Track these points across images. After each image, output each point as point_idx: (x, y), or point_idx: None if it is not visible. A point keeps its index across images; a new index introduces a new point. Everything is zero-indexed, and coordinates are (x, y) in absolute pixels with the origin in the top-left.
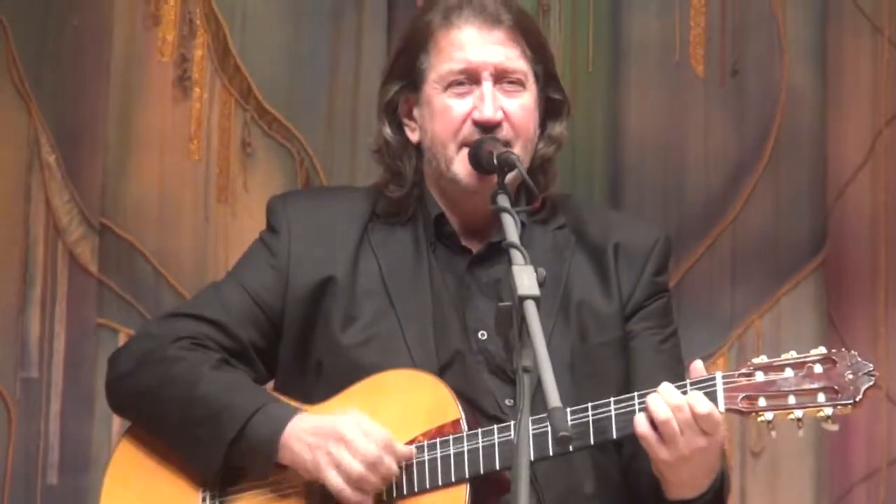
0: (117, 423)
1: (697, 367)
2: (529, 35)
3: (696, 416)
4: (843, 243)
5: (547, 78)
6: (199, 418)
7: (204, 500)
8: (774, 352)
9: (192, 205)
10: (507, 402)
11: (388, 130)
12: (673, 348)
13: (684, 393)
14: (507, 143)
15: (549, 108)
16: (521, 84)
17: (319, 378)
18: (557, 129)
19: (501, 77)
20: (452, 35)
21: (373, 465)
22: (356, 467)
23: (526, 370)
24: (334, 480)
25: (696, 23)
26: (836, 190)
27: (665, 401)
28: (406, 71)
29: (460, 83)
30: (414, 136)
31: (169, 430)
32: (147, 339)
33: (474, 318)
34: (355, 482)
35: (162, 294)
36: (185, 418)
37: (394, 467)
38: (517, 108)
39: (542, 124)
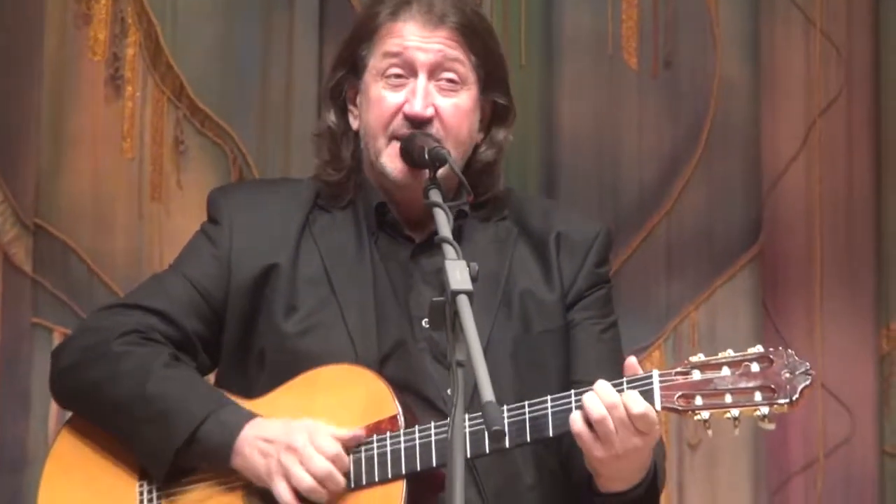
0: (53, 422)
1: (632, 364)
2: (475, 37)
3: (631, 416)
4: (778, 234)
5: (494, 81)
6: (148, 417)
7: (141, 490)
8: (710, 343)
9: (125, 203)
10: (447, 392)
11: (331, 116)
12: (613, 339)
13: (620, 391)
14: (437, 141)
15: (496, 113)
16: (458, 84)
17: (262, 367)
18: (502, 134)
19: (438, 73)
20: (395, 28)
21: (322, 481)
22: (306, 481)
23: (460, 364)
24: (283, 491)
25: (629, 16)
26: (771, 181)
27: (601, 399)
28: (350, 59)
29: (397, 75)
30: (355, 123)
31: (117, 427)
32: (92, 332)
33: (418, 306)
34: (304, 494)
35: (96, 293)
36: (134, 416)
37: (342, 481)
38: (450, 107)
39: (487, 129)
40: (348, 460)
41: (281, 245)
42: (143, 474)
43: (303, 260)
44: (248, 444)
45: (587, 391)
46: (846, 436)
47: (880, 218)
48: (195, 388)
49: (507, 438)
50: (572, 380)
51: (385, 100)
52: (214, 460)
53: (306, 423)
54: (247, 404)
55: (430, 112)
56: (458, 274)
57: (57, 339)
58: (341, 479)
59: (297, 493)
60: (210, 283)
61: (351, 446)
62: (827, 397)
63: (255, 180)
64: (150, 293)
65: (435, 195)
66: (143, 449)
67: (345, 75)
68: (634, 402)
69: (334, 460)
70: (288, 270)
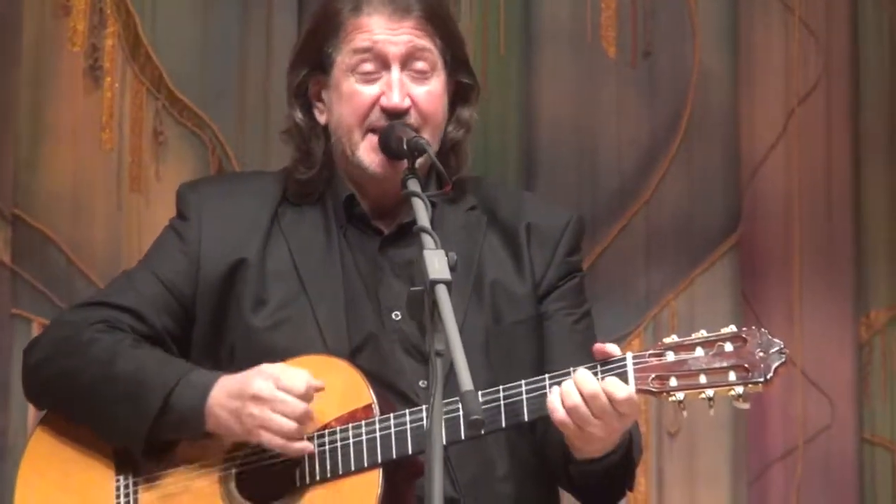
0: (33, 412)
1: (601, 349)
2: (440, 23)
3: (614, 402)
4: (757, 223)
5: (457, 63)
6: (120, 395)
7: (118, 485)
8: (690, 331)
9: (104, 194)
10: (420, 383)
11: (297, 114)
12: (587, 328)
13: (594, 373)
14: (415, 130)
15: (459, 93)
16: (429, 71)
17: (232, 362)
18: (467, 113)
19: (410, 63)
20: (361, 22)
21: (301, 419)
22: (287, 425)
23: (438, 354)
24: (272, 440)
25: (608, 5)
26: (750, 170)
27: (580, 388)
28: (314, 56)
29: (369, 69)
30: (322, 118)
31: (89, 412)
32: (61, 326)
33: (388, 299)
34: (292, 437)
35: (75, 284)
36: (106, 397)
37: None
38: (425, 94)
39: (452, 108)
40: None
41: (249, 240)
42: (120, 469)
43: (271, 254)
44: (217, 405)
45: (563, 374)
46: (826, 423)
47: (859, 206)
48: (162, 361)
49: (483, 428)
50: (546, 371)
51: (360, 94)
52: (190, 427)
53: (265, 369)
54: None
55: (407, 103)
56: (437, 263)
57: (36, 330)
58: (312, 412)
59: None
60: (179, 280)
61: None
62: (807, 385)
63: (225, 174)
64: (120, 290)
65: (414, 185)
66: (118, 428)
67: (309, 72)
68: (617, 387)
69: (304, 397)
70: (256, 265)
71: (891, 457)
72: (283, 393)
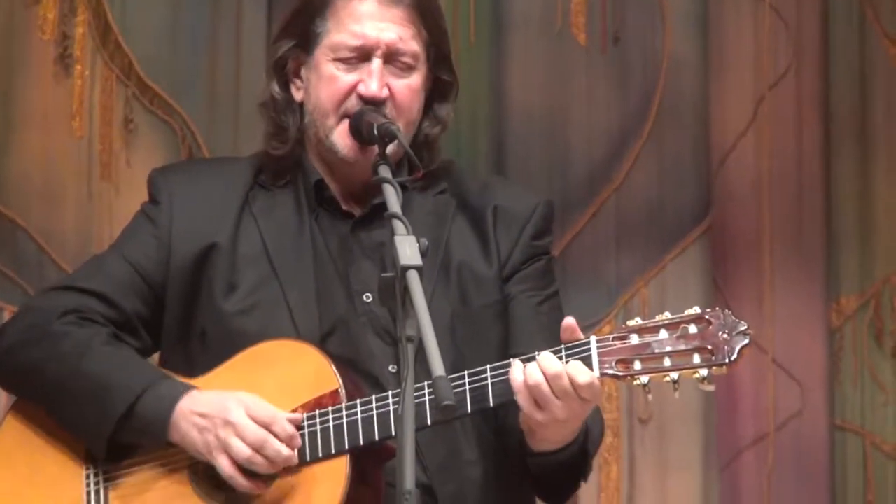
0: (4, 398)
1: (570, 325)
2: (428, 15)
3: (576, 386)
4: (727, 209)
5: (439, 59)
6: (86, 394)
7: (88, 477)
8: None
9: (75, 182)
10: (390, 367)
11: (275, 87)
12: (552, 310)
13: (558, 357)
14: (386, 117)
15: (438, 89)
16: (411, 65)
17: (203, 347)
18: (444, 110)
19: (393, 56)
20: (352, 7)
21: (260, 449)
22: (244, 452)
23: (410, 340)
24: (225, 465)
25: None
26: (720, 156)
27: (543, 368)
28: (300, 32)
29: (351, 56)
30: (299, 95)
31: (55, 405)
32: (31, 313)
33: (359, 281)
34: (244, 465)
35: (46, 271)
36: (73, 394)
37: (282, 449)
38: (403, 88)
39: (429, 104)
40: (288, 427)
41: (221, 224)
42: (90, 459)
43: (242, 238)
44: (184, 419)
45: (529, 357)
46: (797, 409)
47: (830, 192)
48: (132, 364)
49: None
50: (511, 353)
51: (339, 79)
52: (152, 435)
53: (241, 396)
54: (188, 382)
55: (384, 93)
56: (409, 249)
57: (6, 317)
58: (278, 445)
59: (241, 466)
60: (150, 264)
61: (294, 422)
62: (777, 371)
63: (196, 159)
64: (90, 275)
65: (384, 171)
66: (82, 426)
67: (292, 48)
68: (579, 371)
69: (269, 425)
70: (228, 249)
71: (862, 443)
72: (249, 419)
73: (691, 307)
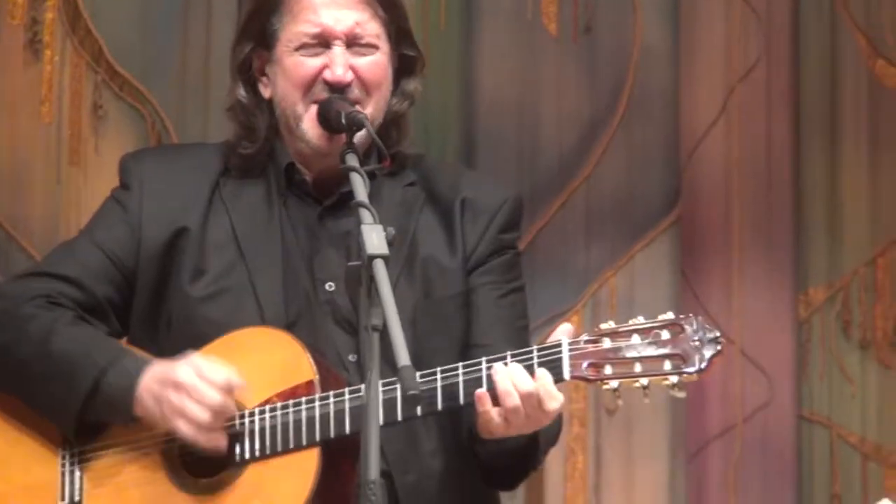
0: None
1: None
2: None
3: (543, 404)
4: (696, 200)
5: (400, 35)
6: (53, 374)
7: (63, 459)
8: (629, 308)
9: (43, 168)
10: (350, 357)
11: (241, 91)
12: (514, 304)
13: (529, 359)
14: (358, 103)
15: (403, 65)
16: (373, 45)
17: (170, 332)
18: (411, 85)
19: (353, 40)
20: None
21: (217, 411)
22: (200, 415)
23: (375, 329)
24: (183, 429)
25: None
26: (690, 147)
27: (516, 388)
28: (258, 31)
29: (312, 44)
30: (267, 92)
31: (24, 388)
32: (0, 299)
33: (322, 269)
34: (205, 428)
35: (14, 258)
36: (39, 374)
37: (234, 408)
38: (369, 64)
39: (396, 81)
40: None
41: (191, 209)
42: (65, 443)
43: (212, 224)
44: (146, 390)
45: (498, 364)
46: (764, 401)
47: (799, 184)
48: (96, 342)
49: (419, 405)
50: (470, 343)
51: (303, 65)
52: (119, 411)
53: (191, 359)
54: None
55: (349, 76)
56: (375, 238)
57: None
58: (232, 405)
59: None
60: (120, 249)
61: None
62: (745, 363)
63: (167, 145)
64: (60, 260)
65: (352, 160)
66: (50, 406)
67: (253, 48)
68: (548, 395)
69: (223, 390)
70: (197, 234)
71: (828, 435)
72: (203, 382)
73: (659, 297)
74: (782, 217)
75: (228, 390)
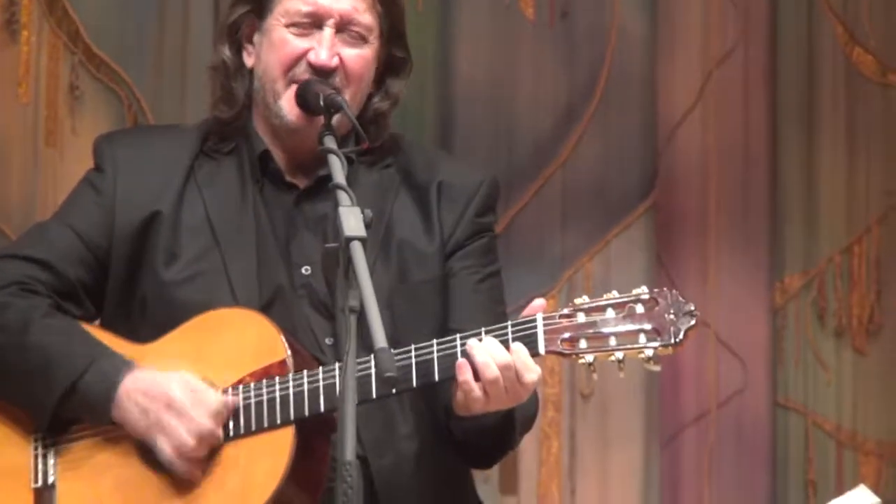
0: None
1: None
2: None
3: (520, 377)
4: (673, 186)
5: (393, 34)
6: (29, 368)
7: (36, 444)
8: (604, 293)
9: (20, 148)
10: (326, 340)
11: (227, 51)
12: (492, 288)
13: (504, 334)
14: (337, 90)
15: (391, 65)
16: (364, 37)
17: (143, 315)
18: (397, 86)
19: (345, 27)
20: None
21: (204, 439)
22: (187, 440)
23: (353, 310)
24: (164, 449)
25: None
26: (667, 132)
27: (493, 360)
28: None
29: (304, 23)
30: (250, 61)
31: None
32: None
33: (299, 253)
34: (186, 453)
35: None
36: (15, 366)
37: (221, 435)
38: (355, 57)
39: (382, 80)
40: (229, 415)
41: (165, 192)
42: (38, 430)
43: (186, 207)
44: (126, 398)
45: (473, 335)
46: (739, 387)
47: (776, 170)
48: (75, 337)
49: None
50: (448, 327)
51: (290, 43)
52: (94, 413)
53: (184, 378)
54: (137, 350)
55: (335, 62)
56: (353, 220)
57: None
58: (220, 434)
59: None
60: (94, 231)
61: (230, 406)
62: (720, 349)
63: (142, 127)
64: (33, 243)
65: (330, 142)
66: (25, 400)
67: (246, 12)
68: (524, 367)
69: (216, 417)
70: (171, 218)
71: (804, 421)
72: (196, 407)
73: (635, 282)
74: (758, 203)
75: (219, 418)
